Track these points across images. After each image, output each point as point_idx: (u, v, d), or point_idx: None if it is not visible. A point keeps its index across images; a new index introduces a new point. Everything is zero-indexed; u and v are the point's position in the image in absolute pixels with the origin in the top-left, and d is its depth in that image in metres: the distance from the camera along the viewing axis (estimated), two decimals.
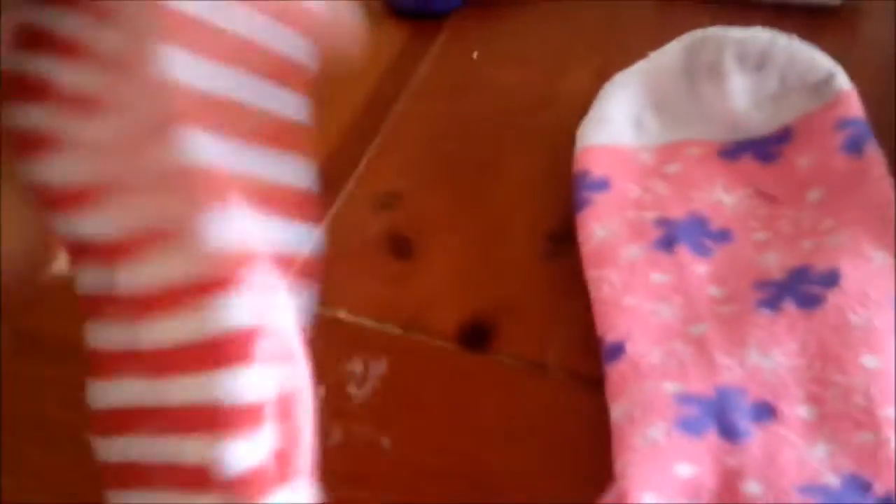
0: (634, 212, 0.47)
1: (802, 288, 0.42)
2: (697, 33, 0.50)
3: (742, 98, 0.49)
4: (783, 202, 0.46)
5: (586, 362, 0.43)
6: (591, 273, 0.45)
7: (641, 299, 0.43)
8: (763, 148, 0.48)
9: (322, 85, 0.34)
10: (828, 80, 0.48)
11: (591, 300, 0.44)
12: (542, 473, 0.40)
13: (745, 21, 0.53)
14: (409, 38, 0.58)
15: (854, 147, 0.46)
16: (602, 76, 0.53)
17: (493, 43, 0.56)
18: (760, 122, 0.49)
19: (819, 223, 0.45)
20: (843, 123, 0.47)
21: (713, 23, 0.54)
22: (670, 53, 0.50)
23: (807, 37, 0.52)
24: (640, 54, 0.53)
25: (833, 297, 0.41)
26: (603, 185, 0.48)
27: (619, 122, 0.50)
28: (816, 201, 0.46)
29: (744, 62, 0.49)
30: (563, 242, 0.48)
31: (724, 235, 0.46)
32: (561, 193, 0.49)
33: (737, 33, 0.49)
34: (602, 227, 0.46)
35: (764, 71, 0.49)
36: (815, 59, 0.49)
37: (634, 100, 0.50)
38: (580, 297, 0.45)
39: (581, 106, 0.52)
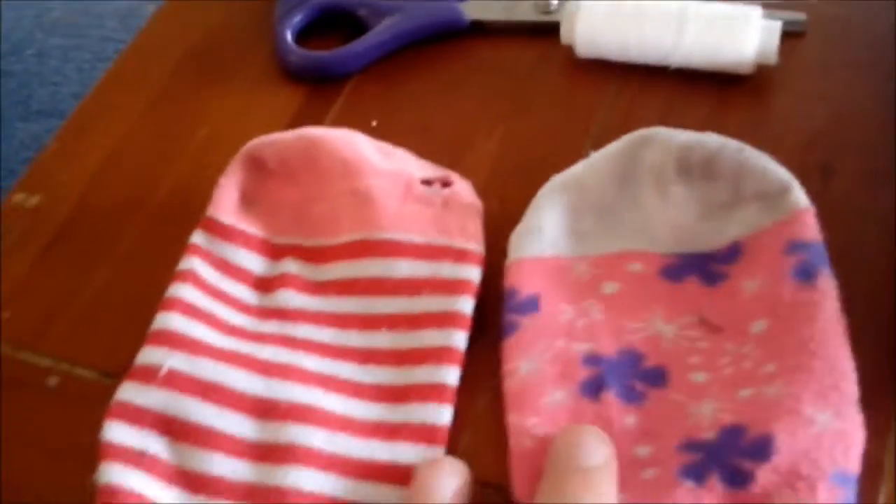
0: (564, 341, 0.43)
1: (731, 460, 0.38)
2: (639, 134, 0.46)
3: (688, 208, 0.45)
4: (727, 333, 0.42)
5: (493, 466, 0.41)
6: (513, 419, 0.41)
7: None
8: (709, 266, 0.44)
9: None
10: (782, 194, 0.44)
11: (509, 450, 0.41)
12: None
13: (653, 89, 0.52)
14: (305, 103, 0.54)
15: (805, 274, 0.42)
16: (506, 146, 0.51)
17: (394, 111, 0.54)
18: (707, 236, 0.45)
19: (760, 365, 0.41)
20: (796, 246, 0.43)
21: (620, 91, 0.52)
22: (610, 155, 0.46)
23: (717, 106, 0.51)
24: (546, 124, 0.52)
25: (762, 476, 0.37)
26: (532, 305, 0.44)
27: (554, 231, 0.46)
28: (760, 333, 0.42)
29: (689, 170, 0.45)
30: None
31: (658, 376, 0.42)
32: None
33: (682, 136, 0.45)
34: (528, 361, 0.43)
35: (712, 180, 0.45)
36: (769, 170, 0.45)
37: (570, 206, 0.46)
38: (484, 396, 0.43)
39: (484, 179, 0.50)
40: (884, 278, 0.44)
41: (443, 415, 0.42)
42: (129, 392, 0.42)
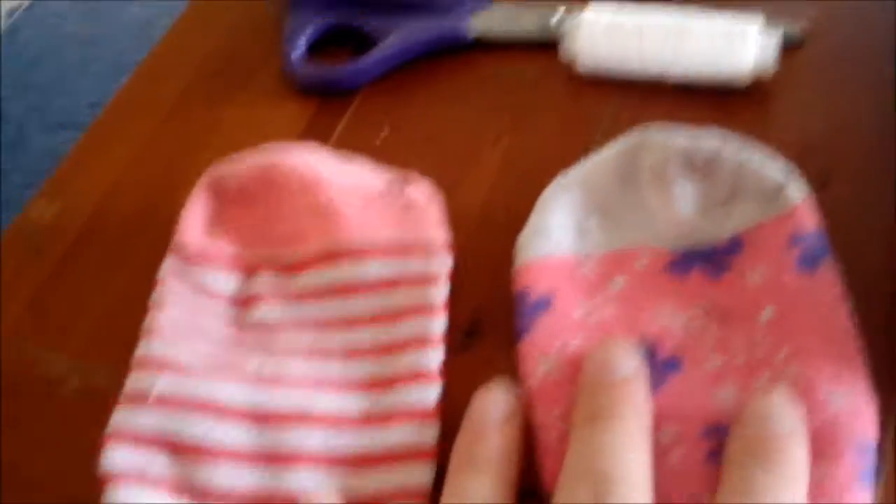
0: (579, 339, 0.44)
1: None
2: (639, 134, 0.47)
3: (689, 205, 0.46)
4: (735, 321, 0.44)
5: None
6: (537, 416, 0.42)
7: None
8: (712, 260, 0.45)
9: None
10: (780, 190, 0.46)
11: (537, 444, 0.42)
12: None
13: (654, 102, 0.53)
14: (315, 117, 0.56)
15: (809, 263, 0.44)
16: (510, 158, 0.53)
17: (401, 123, 0.55)
18: (708, 231, 0.46)
19: (774, 352, 0.42)
20: (797, 239, 0.44)
21: (621, 105, 0.53)
22: (611, 155, 0.48)
23: (718, 118, 0.52)
24: (548, 137, 0.53)
25: None
26: (544, 305, 0.45)
27: (560, 231, 0.47)
28: (769, 321, 0.43)
29: (690, 168, 0.46)
30: (473, 336, 0.47)
31: (673, 364, 0.43)
32: (470, 284, 0.48)
33: (682, 136, 0.47)
34: (545, 361, 0.43)
35: (712, 177, 0.46)
36: (767, 167, 0.46)
37: (575, 205, 0.47)
38: None
39: (489, 189, 0.51)
40: (881, 287, 0.45)
41: (431, 393, 0.44)
42: (123, 417, 0.43)
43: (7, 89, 1.53)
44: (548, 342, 0.44)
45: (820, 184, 0.48)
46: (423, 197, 0.50)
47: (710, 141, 0.47)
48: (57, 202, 0.54)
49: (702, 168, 0.47)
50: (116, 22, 1.57)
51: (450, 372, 0.45)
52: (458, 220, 0.50)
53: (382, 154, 0.53)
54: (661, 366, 0.43)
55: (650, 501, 0.37)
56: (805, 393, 0.40)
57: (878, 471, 0.39)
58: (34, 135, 1.49)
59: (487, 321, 0.47)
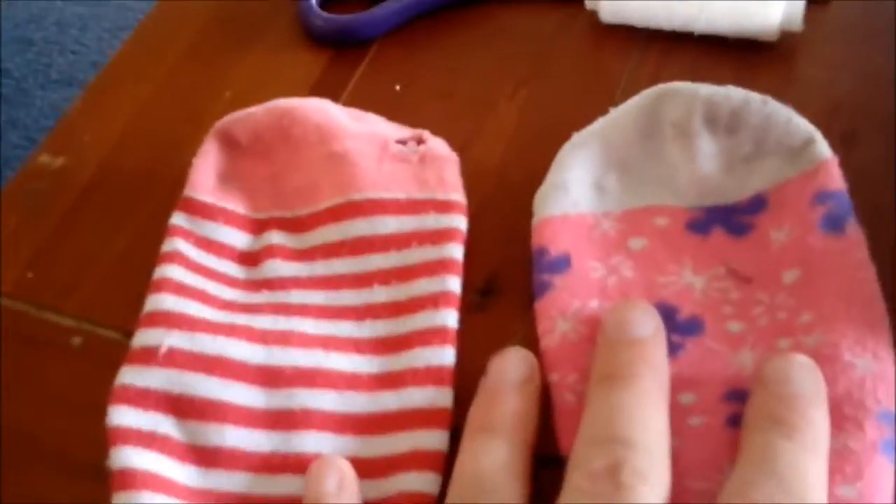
0: (598, 301, 0.43)
1: None
2: (661, 88, 0.46)
3: (711, 161, 0.45)
4: (757, 283, 0.42)
5: None
6: (552, 377, 0.41)
7: None
8: (734, 218, 0.44)
9: None
10: (806, 146, 0.44)
11: (552, 407, 0.41)
12: None
13: (677, 55, 0.52)
14: (329, 67, 0.54)
15: (833, 224, 0.42)
16: (528, 111, 0.51)
17: (417, 75, 0.53)
18: (731, 188, 0.45)
19: (796, 316, 0.41)
20: (823, 197, 0.43)
21: (643, 57, 0.52)
22: (631, 110, 0.46)
23: (742, 72, 0.51)
24: (568, 90, 0.52)
25: None
26: (563, 264, 0.44)
27: (578, 188, 0.46)
28: (792, 283, 0.42)
29: (714, 123, 0.45)
30: (488, 295, 0.46)
31: (693, 326, 0.42)
32: (486, 243, 0.47)
33: (706, 90, 0.45)
34: (564, 320, 0.42)
35: (736, 133, 0.45)
36: (793, 122, 0.45)
37: (594, 162, 0.46)
38: None
39: (506, 143, 0.50)
40: None
41: (446, 356, 0.43)
42: (130, 375, 0.42)
43: (7, 46, 1.51)
44: (566, 302, 0.43)
45: (846, 144, 0.47)
46: (440, 152, 0.48)
47: (735, 95, 0.45)
48: (61, 156, 0.53)
49: (726, 123, 0.45)
50: None
51: (465, 332, 0.44)
52: (473, 177, 0.49)
53: (398, 106, 0.52)
54: (681, 328, 0.42)
55: (666, 465, 0.37)
56: (828, 358, 0.39)
57: None
58: (36, 91, 1.48)
59: (503, 280, 0.46)
